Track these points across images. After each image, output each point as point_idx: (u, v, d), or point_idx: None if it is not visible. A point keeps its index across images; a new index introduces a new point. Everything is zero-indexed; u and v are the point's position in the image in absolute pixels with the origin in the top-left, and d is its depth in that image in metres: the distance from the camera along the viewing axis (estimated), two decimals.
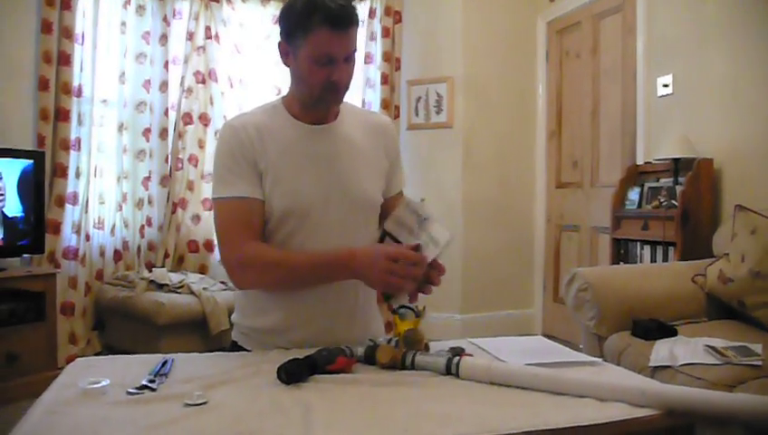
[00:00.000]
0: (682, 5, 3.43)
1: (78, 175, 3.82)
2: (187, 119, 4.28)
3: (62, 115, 3.72)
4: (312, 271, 1.38)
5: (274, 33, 4.56)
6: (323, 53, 1.36)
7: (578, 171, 4.36)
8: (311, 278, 1.40)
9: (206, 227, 4.29)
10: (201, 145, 4.34)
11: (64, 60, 3.72)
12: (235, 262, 1.41)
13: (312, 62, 1.37)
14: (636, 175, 3.52)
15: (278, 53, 1.45)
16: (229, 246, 1.42)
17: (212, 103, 4.36)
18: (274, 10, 4.56)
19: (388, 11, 4.62)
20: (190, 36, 4.28)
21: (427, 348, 1.33)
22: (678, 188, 3.08)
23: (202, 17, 4.31)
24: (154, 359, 1.29)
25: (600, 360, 1.40)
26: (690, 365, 2.03)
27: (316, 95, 1.42)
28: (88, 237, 3.90)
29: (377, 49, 4.62)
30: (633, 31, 3.78)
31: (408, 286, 1.28)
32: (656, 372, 2.09)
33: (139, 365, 1.25)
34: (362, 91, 4.61)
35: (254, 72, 4.51)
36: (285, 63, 1.45)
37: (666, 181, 3.26)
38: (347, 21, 1.36)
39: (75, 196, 3.81)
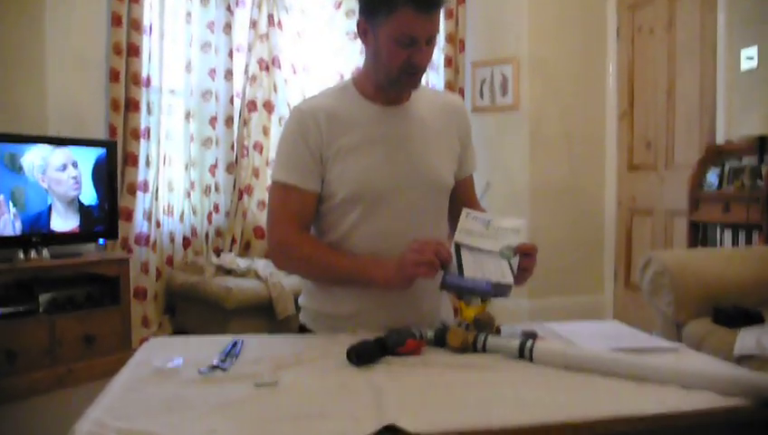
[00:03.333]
0: None
1: (148, 163, 3.92)
2: (251, 106, 4.34)
3: (132, 105, 3.82)
4: (342, 268, 1.40)
5: (336, 18, 4.56)
6: (406, 33, 1.32)
7: (651, 152, 4.19)
8: (341, 274, 1.41)
9: None
10: (266, 132, 4.38)
11: (133, 51, 3.81)
12: (276, 246, 1.45)
13: (393, 42, 1.34)
14: (715, 155, 3.34)
15: (354, 32, 1.43)
16: (275, 229, 1.45)
17: (276, 90, 4.40)
18: None
19: None
20: (253, 24, 4.32)
21: (498, 331, 1.29)
22: (764, 168, 2.90)
23: (264, 5, 4.34)
24: (224, 340, 1.30)
25: (681, 345, 1.33)
26: None
27: (393, 77, 1.38)
28: (158, 224, 4.00)
29: (440, 31, 4.55)
30: (713, 2, 3.57)
31: (434, 263, 1.27)
32: (741, 361, 1.97)
33: (210, 346, 1.26)
34: (425, 73, 4.55)
35: (316, 59, 4.52)
36: (363, 42, 1.43)
37: (749, 160, 3.08)
38: (433, 3, 1.32)
39: (146, 183, 3.91)
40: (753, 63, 3.26)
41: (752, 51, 3.27)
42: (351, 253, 1.43)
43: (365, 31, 1.40)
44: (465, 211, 1.38)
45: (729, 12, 3.45)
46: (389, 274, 1.34)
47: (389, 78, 1.39)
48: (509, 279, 1.28)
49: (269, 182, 4.37)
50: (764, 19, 3.22)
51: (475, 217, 1.37)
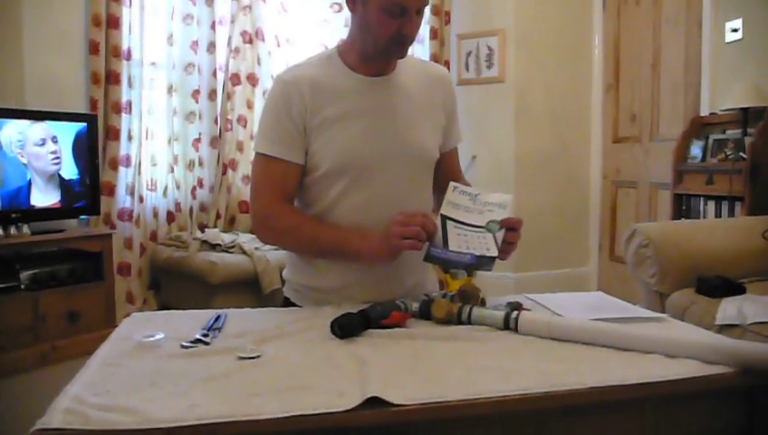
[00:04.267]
0: None
1: (130, 138, 3.86)
2: (235, 79, 4.27)
3: (112, 78, 3.75)
4: (327, 241, 1.39)
5: None
6: (397, 3, 1.29)
7: (636, 125, 4.19)
8: (325, 247, 1.41)
9: None
10: (250, 105, 4.33)
11: (113, 23, 3.73)
12: (259, 218, 1.44)
13: (383, 12, 1.31)
14: (699, 127, 3.35)
15: (339, 3, 1.40)
16: (257, 201, 1.44)
17: (259, 63, 4.33)
18: None
19: None
20: None
21: (483, 303, 1.29)
22: (747, 140, 2.91)
23: None
24: (207, 314, 1.28)
25: (665, 315, 1.34)
26: (760, 324, 1.93)
27: (381, 47, 1.36)
28: (141, 199, 3.96)
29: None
30: None
31: (420, 236, 1.27)
32: (722, 330, 2.00)
33: (192, 320, 1.25)
34: (411, 45, 4.51)
35: (300, 31, 4.46)
36: (351, 10, 1.39)
37: (733, 133, 3.09)
38: None
39: (128, 158, 3.86)
40: (738, 35, 3.26)
41: (736, 23, 3.27)
42: (336, 225, 1.41)
43: None
44: (452, 185, 1.38)
45: None
46: (374, 246, 1.33)
47: (377, 48, 1.36)
48: (493, 252, 1.28)
49: (253, 156, 4.34)
50: None
51: (462, 190, 1.37)
